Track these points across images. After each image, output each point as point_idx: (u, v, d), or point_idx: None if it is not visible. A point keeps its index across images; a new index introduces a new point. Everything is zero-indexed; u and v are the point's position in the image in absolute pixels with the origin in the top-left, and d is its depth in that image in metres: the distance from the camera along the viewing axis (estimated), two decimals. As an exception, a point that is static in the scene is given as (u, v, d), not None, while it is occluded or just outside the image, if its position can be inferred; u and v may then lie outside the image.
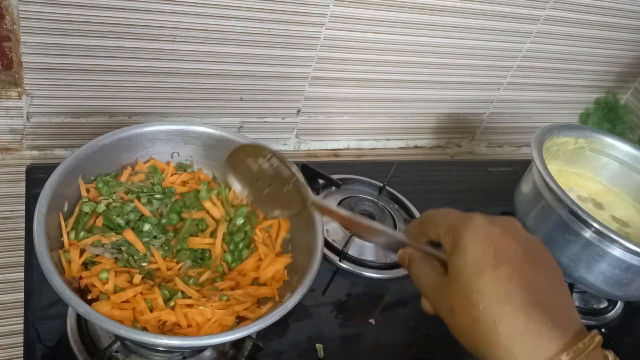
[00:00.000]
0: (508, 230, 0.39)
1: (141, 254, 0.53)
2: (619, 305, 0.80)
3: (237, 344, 0.57)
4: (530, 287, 0.35)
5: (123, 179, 0.58)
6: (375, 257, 0.74)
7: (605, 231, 0.64)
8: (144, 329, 0.48)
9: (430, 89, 0.94)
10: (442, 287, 0.39)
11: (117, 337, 0.54)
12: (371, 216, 0.79)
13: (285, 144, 0.92)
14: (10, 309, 0.60)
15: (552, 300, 0.36)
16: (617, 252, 0.65)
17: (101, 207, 0.54)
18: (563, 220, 0.68)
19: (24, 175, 0.70)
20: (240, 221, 0.57)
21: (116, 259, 0.53)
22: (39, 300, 0.58)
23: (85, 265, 0.52)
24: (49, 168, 0.53)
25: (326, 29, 0.79)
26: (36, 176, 0.70)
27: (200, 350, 0.57)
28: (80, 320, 0.56)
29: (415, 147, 1.03)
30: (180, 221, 0.57)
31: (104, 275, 0.50)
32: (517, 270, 0.36)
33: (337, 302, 0.70)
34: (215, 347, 0.58)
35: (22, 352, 0.54)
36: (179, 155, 0.64)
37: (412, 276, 0.44)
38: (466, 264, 0.37)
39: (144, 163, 0.61)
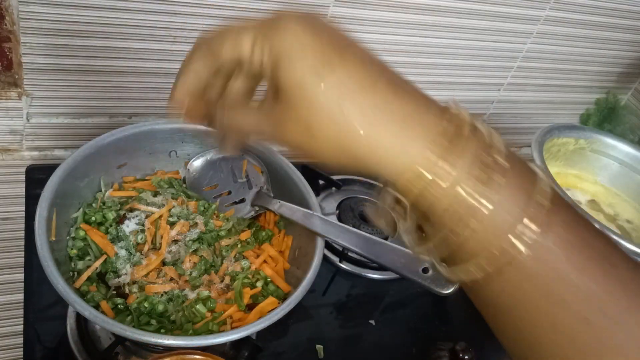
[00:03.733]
0: (319, 21, 0.31)
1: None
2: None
3: (237, 344, 0.57)
4: (380, 76, 0.30)
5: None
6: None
7: (605, 232, 0.64)
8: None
9: (430, 89, 0.93)
10: (279, 120, 0.31)
11: (118, 338, 0.54)
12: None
13: (285, 145, 0.92)
14: (10, 310, 0.60)
15: (400, 80, 0.31)
16: (617, 252, 0.65)
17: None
18: (563, 221, 0.68)
19: (24, 176, 0.70)
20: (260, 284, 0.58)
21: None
22: (38, 301, 0.58)
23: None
24: (49, 169, 0.53)
25: (326, 29, 0.79)
26: (36, 177, 0.70)
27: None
28: (81, 321, 0.56)
29: (416, 147, 1.03)
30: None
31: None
32: (359, 61, 0.30)
33: (338, 302, 0.70)
34: (214, 347, 0.57)
35: (22, 353, 0.55)
36: (176, 154, 0.64)
37: (230, 126, 0.35)
38: (303, 73, 0.29)
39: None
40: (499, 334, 0.33)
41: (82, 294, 0.51)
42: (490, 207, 0.29)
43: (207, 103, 0.36)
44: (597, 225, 0.64)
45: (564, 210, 0.30)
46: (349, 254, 0.73)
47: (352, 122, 0.29)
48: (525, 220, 0.28)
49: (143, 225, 0.57)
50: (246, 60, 0.32)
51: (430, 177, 0.29)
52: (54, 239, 0.51)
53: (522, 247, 0.29)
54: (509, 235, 0.29)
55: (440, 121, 0.30)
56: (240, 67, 0.34)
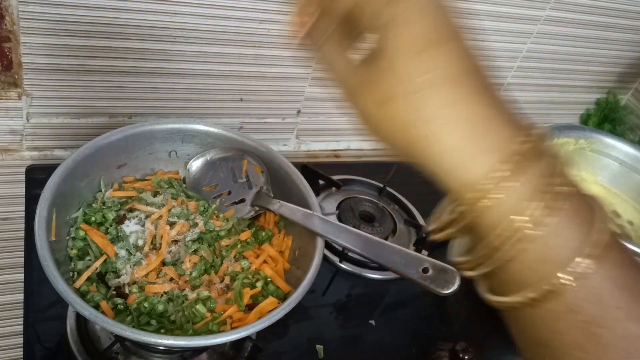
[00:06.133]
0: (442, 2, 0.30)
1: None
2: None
3: (237, 344, 0.57)
4: (477, 71, 0.30)
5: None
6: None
7: None
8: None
9: (430, 89, 0.94)
10: (363, 80, 0.31)
11: (117, 338, 0.54)
12: (371, 217, 0.79)
13: (285, 145, 0.92)
14: (9, 310, 0.60)
15: (494, 89, 0.30)
16: (617, 252, 0.65)
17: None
18: (563, 221, 0.68)
19: (24, 176, 0.71)
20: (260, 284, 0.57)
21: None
22: (38, 301, 0.58)
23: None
24: (49, 169, 0.53)
25: (326, 29, 0.79)
26: (36, 177, 0.70)
27: (199, 351, 0.57)
28: (80, 321, 0.56)
29: (416, 147, 1.03)
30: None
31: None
32: (463, 50, 0.29)
33: (337, 303, 0.70)
34: (215, 347, 0.58)
35: (21, 353, 0.55)
36: (176, 154, 0.64)
37: (324, 60, 0.34)
38: (407, 39, 0.29)
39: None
40: None
41: (82, 294, 0.51)
42: (546, 234, 0.27)
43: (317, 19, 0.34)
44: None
45: (617, 248, 0.28)
46: (349, 254, 0.73)
47: (427, 109, 0.28)
48: (582, 255, 0.27)
49: (143, 225, 0.57)
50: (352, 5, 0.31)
51: (491, 198, 0.28)
52: (54, 239, 0.51)
53: (571, 280, 0.27)
54: (563, 267, 0.27)
55: (515, 139, 0.29)
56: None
